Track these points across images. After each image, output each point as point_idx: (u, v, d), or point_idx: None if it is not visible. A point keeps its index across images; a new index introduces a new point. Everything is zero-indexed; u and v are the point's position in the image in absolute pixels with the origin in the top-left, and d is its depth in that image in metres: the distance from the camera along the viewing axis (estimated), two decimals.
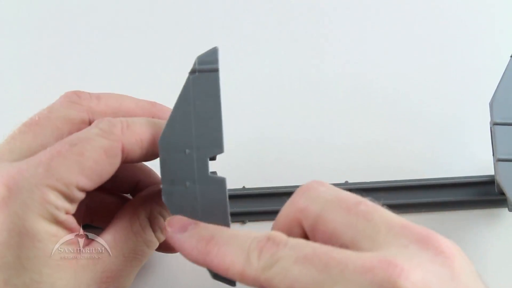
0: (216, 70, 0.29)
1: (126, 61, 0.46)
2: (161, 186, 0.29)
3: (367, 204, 0.25)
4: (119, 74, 0.46)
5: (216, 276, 0.27)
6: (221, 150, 0.29)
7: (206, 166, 0.29)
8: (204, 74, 0.29)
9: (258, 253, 0.24)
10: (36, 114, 0.31)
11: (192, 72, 0.29)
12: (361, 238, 0.24)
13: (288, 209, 0.26)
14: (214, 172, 0.30)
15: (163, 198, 0.29)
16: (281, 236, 0.25)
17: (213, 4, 0.48)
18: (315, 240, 0.25)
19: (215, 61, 0.29)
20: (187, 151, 0.29)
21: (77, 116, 0.31)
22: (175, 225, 0.28)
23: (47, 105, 0.32)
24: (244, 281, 0.25)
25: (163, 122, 0.30)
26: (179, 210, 0.29)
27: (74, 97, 0.32)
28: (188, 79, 0.29)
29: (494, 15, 0.47)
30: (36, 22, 0.47)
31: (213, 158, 0.30)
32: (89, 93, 0.33)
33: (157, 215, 0.32)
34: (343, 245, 0.24)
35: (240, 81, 0.45)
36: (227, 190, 0.29)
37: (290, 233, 0.26)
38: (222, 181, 0.29)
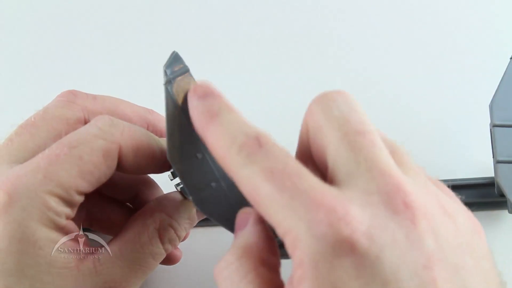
0: (187, 71, 0.29)
1: (124, 63, 0.46)
2: (190, 198, 0.28)
3: (368, 136, 0.23)
4: (117, 76, 0.46)
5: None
6: None
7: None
8: (179, 80, 0.29)
9: (239, 148, 0.23)
10: (32, 115, 0.31)
11: (168, 82, 0.28)
12: (340, 167, 0.22)
13: (306, 112, 0.25)
14: None
15: (198, 208, 0.28)
16: (267, 139, 0.23)
17: (214, 5, 0.48)
18: (310, 149, 0.25)
19: (182, 63, 0.29)
20: (198, 155, 0.29)
21: (73, 115, 0.31)
22: (198, 92, 0.26)
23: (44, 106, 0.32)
24: (224, 168, 0.24)
25: (158, 139, 0.30)
26: (215, 211, 0.28)
27: (70, 96, 0.32)
28: (166, 90, 0.28)
29: (494, 17, 0.47)
30: (33, 23, 0.47)
31: None
32: (85, 93, 0.32)
33: (167, 226, 0.31)
34: (325, 167, 0.24)
35: (239, 83, 0.45)
36: None
37: (303, 135, 0.25)
38: None
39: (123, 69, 0.46)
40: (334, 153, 0.23)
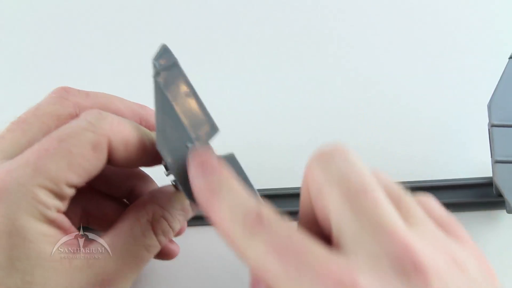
0: (176, 63, 0.29)
1: (124, 63, 0.46)
2: (180, 189, 0.28)
3: (370, 195, 0.22)
4: (116, 76, 0.46)
5: None
6: (216, 129, 0.30)
7: (211, 150, 0.29)
8: (167, 72, 0.29)
9: (241, 227, 0.23)
10: (24, 113, 0.31)
11: (156, 74, 0.29)
12: (344, 231, 0.22)
13: (305, 169, 0.25)
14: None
15: (189, 199, 0.28)
16: (268, 213, 0.23)
17: (213, 5, 0.48)
18: (313, 208, 0.25)
19: (171, 55, 0.29)
20: (188, 145, 0.29)
21: (64, 111, 0.31)
22: (197, 160, 0.26)
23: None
24: (229, 246, 0.24)
25: (149, 132, 0.30)
26: None
27: (63, 93, 0.32)
28: (156, 82, 0.29)
29: (493, 17, 0.47)
30: (33, 23, 0.48)
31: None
32: (78, 89, 0.32)
33: (159, 218, 0.31)
34: (329, 228, 0.23)
35: (239, 83, 0.45)
36: (239, 162, 0.29)
37: (305, 193, 0.25)
38: (232, 157, 0.29)
39: (122, 69, 0.46)
40: (337, 216, 0.23)
